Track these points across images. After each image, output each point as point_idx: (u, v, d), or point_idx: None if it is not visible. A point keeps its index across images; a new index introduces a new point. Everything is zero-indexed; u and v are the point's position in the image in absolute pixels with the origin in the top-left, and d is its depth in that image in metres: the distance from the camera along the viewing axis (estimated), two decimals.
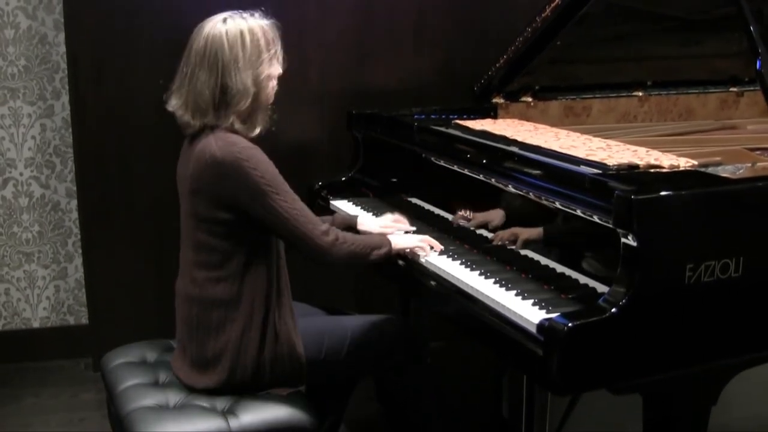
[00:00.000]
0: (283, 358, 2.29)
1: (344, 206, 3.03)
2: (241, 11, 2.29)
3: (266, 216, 2.21)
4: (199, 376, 2.28)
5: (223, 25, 2.24)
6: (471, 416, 3.22)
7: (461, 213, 2.61)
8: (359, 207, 3.00)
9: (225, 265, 2.25)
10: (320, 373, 2.39)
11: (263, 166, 2.21)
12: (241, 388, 2.26)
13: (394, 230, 2.61)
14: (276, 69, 2.31)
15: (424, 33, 3.76)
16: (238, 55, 2.22)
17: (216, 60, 2.21)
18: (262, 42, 2.26)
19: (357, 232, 2.65)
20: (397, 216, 2.69)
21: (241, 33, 2.23)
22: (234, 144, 2.20)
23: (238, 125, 2.26)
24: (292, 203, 2.22)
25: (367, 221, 2.69)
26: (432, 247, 2.46)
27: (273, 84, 2.32)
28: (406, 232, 2.62)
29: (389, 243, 2.44)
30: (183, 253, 2.37)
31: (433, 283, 2.37)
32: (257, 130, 2.31)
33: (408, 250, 2.46)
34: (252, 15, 2.28)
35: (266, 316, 2.27)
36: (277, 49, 2.31)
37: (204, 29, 2.25)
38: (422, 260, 2.43)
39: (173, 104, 2.30)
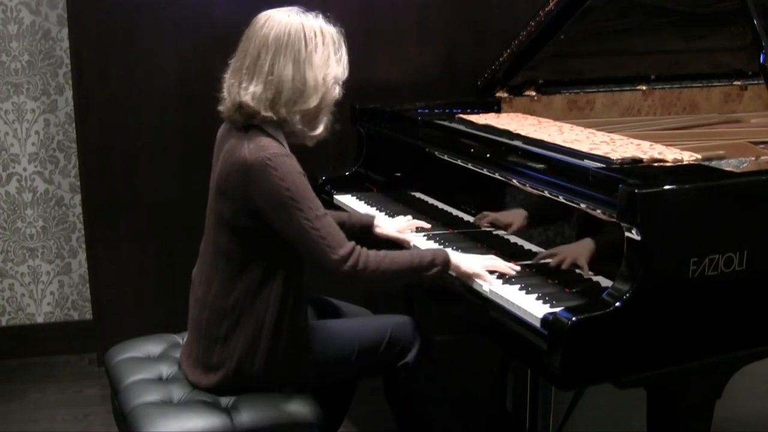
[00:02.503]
0: (290, 366, 2.26)
1: (348, 201, 3.03)
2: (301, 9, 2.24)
3: (284, 229, 2.15)
4: (203, 376, 2.27)
5: (299, 17, 2.18)
6: (476, 410, 3.22)
7: (484, 219, 2.59)
8: (363, 202, 3.00)
9: (242, 275, 2.21)
10: (328, 376, 2.38)
11: (291, 177, 2.12)
12: (245, 389, 2.26)
13: (411, 230, 2.57)
14: (342, 73, 2.25)
15: (427, 27, 3.76)
16: (316, 50, 2.17)
17: (298, 51, 2.15)
18: (332, 44, 2.22)
19: (371, 233, 2.62)
20: (409, 217, 2.64)
21: (320, 30, 2.19)
22: (265, 149, 2.12)
23: (300, 125, 2.19)
24: (313, 221, 2.12)
25: (384, 223, 2.65)
26: (495, 272, 2.25)
27: (339, 88, 2.25)
28: (421, 230, 2.60)
29: (445, 262, 2.27)
30: (205, 244, 2.32)
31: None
32: (318, 131, 2.24)
33: (470, 274, 2.25)
34: (317, 16, 2.24)
35: (277, 327, 2.22)
36: (343, 53, 2.26)
37: (280, 18, 2.18)
38: (484, 289, 2.19)
39: (248, 92, 2.16)
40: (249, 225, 2.18)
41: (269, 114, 2.16)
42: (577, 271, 2.15)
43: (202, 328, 2.27)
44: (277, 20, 2.18)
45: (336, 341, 2.38)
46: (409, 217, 2.69)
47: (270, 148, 2.13)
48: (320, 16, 2.24)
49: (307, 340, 2.30)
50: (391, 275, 2.21)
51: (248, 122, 2.19)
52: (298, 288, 2.26)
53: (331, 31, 2.23)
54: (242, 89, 2.18)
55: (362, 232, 2.65)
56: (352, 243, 2.18)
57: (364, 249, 2.19)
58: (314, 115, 2.21)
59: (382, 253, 2.22)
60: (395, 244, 2.58)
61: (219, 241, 2.24)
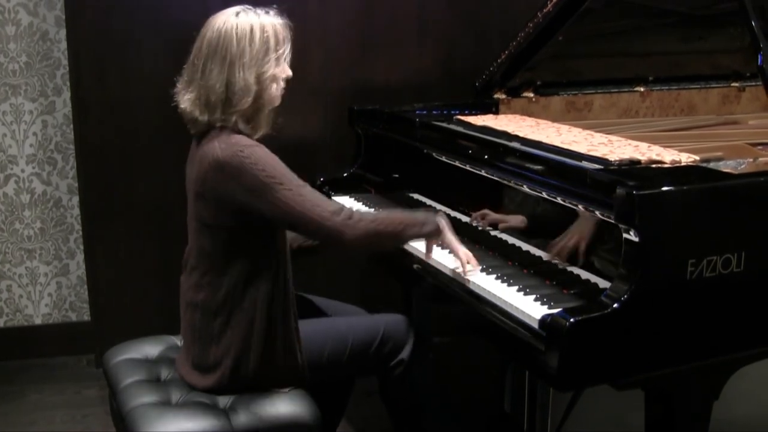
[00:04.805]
0: (284, 364, 2.27)
1: (346, 202, 3.03)
2: (254, 7, 2.24)
3: (271, 210, 2.15)
4: (199, 378, 2.28)
5: (235, 19, 2.18)
6: (474, 411, 3.22)
7: (478, 216, 2.58)
8: (361, 203, 3.00)
9: (228, 272, 2.22)
10: (322, 374, 2.38)
11: (263, 160, 2.14)
12: (241, 389, 2.26)
13: None
14: (282, 71, 2.25)
15: (425, 28, 3.76)
16: (244, 51, 2.16)
17: (226, 54, 2.16)
18: (272, 41, 2.20)
19: None
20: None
21: (251, 28, 2.17)
22: (236, 143, 2.15)
23: (241, 125, 2.20)
24: (296, 190, 2.14)
25: None
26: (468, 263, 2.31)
27: (278, 86, 2.25)
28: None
29: (436, 224, 2.32)
30: (189, 252, 2.34)
31: (435, 279, 2.37)
32: (260, 132, 2.25)
33: (453, 248, 2.32)
34: (267, 12, 2.23)
35: (269, 323, 2.23)
36: (286, 50, 2.25)
37: (217, 21, 2.20)
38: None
39: (185, 99, 2.23)
40: (231, 223, 2.19)
41: (204, 118, 2.19)
42: (573, 270, 2.15)
43: (195, 330, 2.28)
44: (212, 25, 2.21)
45: (329, 338, 2.39)
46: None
47: (241, 142, 2.16)
48: (268, 12, 2.23)
49: (299, 338, 2.31)
50: (385, 228, 2.23)
51: (206, 127, 2.21)
52: (285, 284, 2.27)
53: (275, 29, 2.21)
54: (181, 96, 2.24)
55: None
56: (341, 203, 2.23)
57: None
58: (252, 115, 2.22)
59: (374, 212, 2.28)
60: None
61: (202, 244, 2.25)
